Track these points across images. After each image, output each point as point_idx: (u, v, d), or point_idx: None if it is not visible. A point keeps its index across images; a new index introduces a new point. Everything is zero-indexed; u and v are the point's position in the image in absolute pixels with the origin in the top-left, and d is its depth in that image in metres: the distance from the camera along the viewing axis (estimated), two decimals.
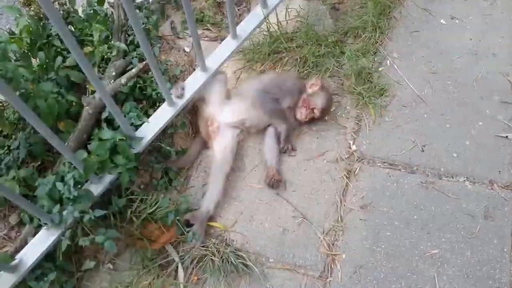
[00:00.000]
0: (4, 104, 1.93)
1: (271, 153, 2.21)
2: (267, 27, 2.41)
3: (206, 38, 2.60)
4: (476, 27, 2.53)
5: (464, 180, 2.12)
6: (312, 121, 2.27)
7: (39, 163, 2.01)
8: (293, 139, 2.26)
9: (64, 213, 1.77)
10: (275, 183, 2.13)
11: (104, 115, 1.99)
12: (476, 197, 2.08)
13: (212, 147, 2.19)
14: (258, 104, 2.19)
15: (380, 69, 2.43)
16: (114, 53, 2.16)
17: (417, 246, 1.99)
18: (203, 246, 2.00)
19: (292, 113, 2.26)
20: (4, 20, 3.06)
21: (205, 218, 2.05)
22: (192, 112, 2.34)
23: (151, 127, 2.02)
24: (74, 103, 2.01)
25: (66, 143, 1.89)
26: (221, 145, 2.17)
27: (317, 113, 2.22)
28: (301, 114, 2.23)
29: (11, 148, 1.96)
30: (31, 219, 1.86)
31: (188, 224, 2.04)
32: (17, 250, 1.80)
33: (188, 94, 2.09)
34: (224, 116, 2.20)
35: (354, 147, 2.23)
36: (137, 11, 2.41)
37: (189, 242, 2.00)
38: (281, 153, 2.24)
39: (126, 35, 2.27)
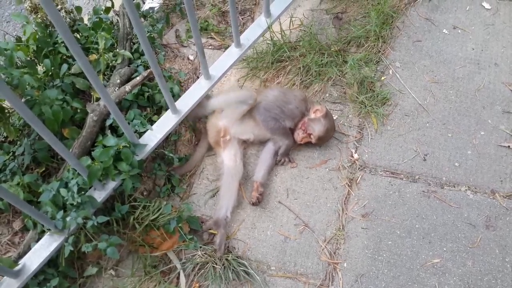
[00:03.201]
0: (10, 111, 1.95)
1: (260, 167, 2.21)
2: (271, 36, 2.42)
3: (210, 47, 2.62)
4: (478, 37, 2.55)
5: (466, 190, 2.13)
6: (308, 144, 2.26)
7: (43, 169, 2.03)
8: (291, 153, 2.27)
9: (68, 219, 1.78)
10: (254, 198, 2.12)
11: (109, 122, 2.01)
12: (478, 207, 2.08)
13: (220, 155, 2.21)
14: (259, 121, 2.19)
15: (382, 78, 2.44)
16: (119, 60, 2.18)
17: (419, 255, 2.00)
18: (204, 253, 2.01)
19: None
20: (11, 27, 3.09)
21: (225, 224, 2.08)
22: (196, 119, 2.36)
23: (154, 134, 2.03)
24: (78, 110, 2.04)
25: (71, 150, 1.91)
26: (231, 153, 2.19)
27: (313, 139, 2.19)
28: (298, 136, 2.21)
29: (16, 154, 1.98)
30: (35, 225, 1.88)
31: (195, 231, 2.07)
32: (21, 256, 1.81)
33: (192, 101, 2.11)
34: (235, 131, 2.22)
35: (356, 156, 2.24)
36: (142, 19, 2.44)
37: (191, 249, 2.01)
38: (277, 165, 2.25)
39: (131, 43, 2.30)
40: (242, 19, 2.72)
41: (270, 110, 2.18)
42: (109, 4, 2.32)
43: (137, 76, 2.10)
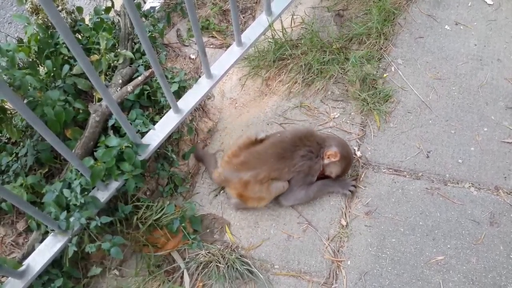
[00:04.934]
0: (12, 112, 1.95)
1: None
2: (272, 34, 2.42)
3: (211, 46, 2.62)
4: (480, 33, 2.53)
5: (470, 186, 2.12)
6: None
7: (46, 170, 2.03)
8: None
9: (71, 219, 1.79)
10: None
11: (111, 122, 2.01)
12: (482, 203, 2.07)
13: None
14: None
15: (384, 75, 2.43)
16: (121, 61, 2.18)
17: (423, 252, 1.99)
18: (208, 252, 2.01)
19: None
20: (13, 28, 3.10)
21: None
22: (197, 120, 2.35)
23: (157, 134, 2.03)
24: (81, 111, 2.04)
25: (73, 151, 1.92)
26: None
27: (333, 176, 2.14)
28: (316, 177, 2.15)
29: (19, 155, 1.99)
30: (39, 226, 1.88)
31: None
32: (25, 257, 1.82)
33: (194, 101, 2.11)
34: None
35: (359, 153, 2.23)
36: (143, 19, 2.44)
37: (195, 249, 2.02)
38: None
39: (133, 43, 2.30)
40: (243, 17, 2.72)
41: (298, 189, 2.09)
42: (110, 4, 2.32)
43: (138, 76, 2.10)
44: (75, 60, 2.08)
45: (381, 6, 2.54)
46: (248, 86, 2.48)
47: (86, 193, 1.85)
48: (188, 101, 2.11)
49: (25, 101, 1.85)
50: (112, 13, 2.34)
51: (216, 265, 1.98)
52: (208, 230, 2.11)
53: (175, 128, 2.09)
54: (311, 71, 2.42)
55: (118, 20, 2.35)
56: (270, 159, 2.01)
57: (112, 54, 2.16)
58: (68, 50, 2.04)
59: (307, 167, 2.04)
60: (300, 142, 2.04)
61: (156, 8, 2.66)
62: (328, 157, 2.05)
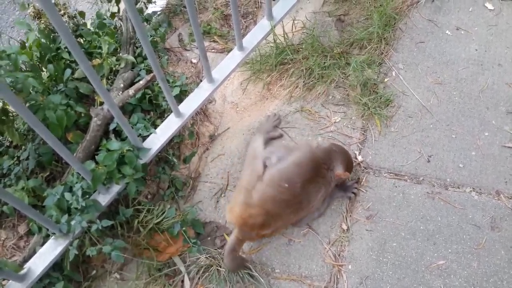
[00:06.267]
0: (14, 114, 1.96)
1: None
2: (274, 38, 2.43)
3: (213, 50, 2.63)
4: (481, 38, 2.54)
5: (471, 191, 2.12)
6: None
7: (48, 173, 2.04)
8: None
9: (72, 223, 1.79)
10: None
11: (112, 126, 2.02)
12: (483, 208, 2.07)
13: None
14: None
15: (385, 80, 2.43)
16: (122, 65, 2.19)
17: (424, 257, 1.99)
18: (209, 256, 2.01)
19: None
20: (15, 32, 3.11)
21: None
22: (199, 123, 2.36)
23: (158, 138, 2.04)
24: (82, 115, 2.05)
25: (75, 154, 1.92)
26: None
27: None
28: None
29: (21, 158, 2.00)
30: (40, 229, 1.88)
31: None
32: (26, 260, 1.82)
33: (195, 105, 2.11)
34: None
35: (360, 158, 2.23)
36: (145, 23, 2.45)
37: (195, 253, 2.02)
38: None
39: (134, 47, 2.31)
40: (245, 22, 2.73)
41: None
42: (113, 9, 2.33)
43: (140, 80, 2.11)
44: (77, 64, 2.10)
45: (382, 11, 2.55)
46: (249, 90, 2.48)
47: (87, 196, 1.85)
48: (189, 105, 2.12)
49: (27, 104, 1.85)
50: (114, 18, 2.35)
51: (217, 269, 1.98)
52: (209, 238, 2.11)
53: (176, 132, 2.10)
54: (312, 76, 2.42)
55: (120, 24, 2.36)
56: (290, 216, 1.93)
57: (114, 58, 2.17)
58: (70, 54, 2.05)
59: (322, 198, 2.01)
60: (309, 184, 1.91)
61: (158, 12, 2.67)
62: (338, 176, 1.98)
